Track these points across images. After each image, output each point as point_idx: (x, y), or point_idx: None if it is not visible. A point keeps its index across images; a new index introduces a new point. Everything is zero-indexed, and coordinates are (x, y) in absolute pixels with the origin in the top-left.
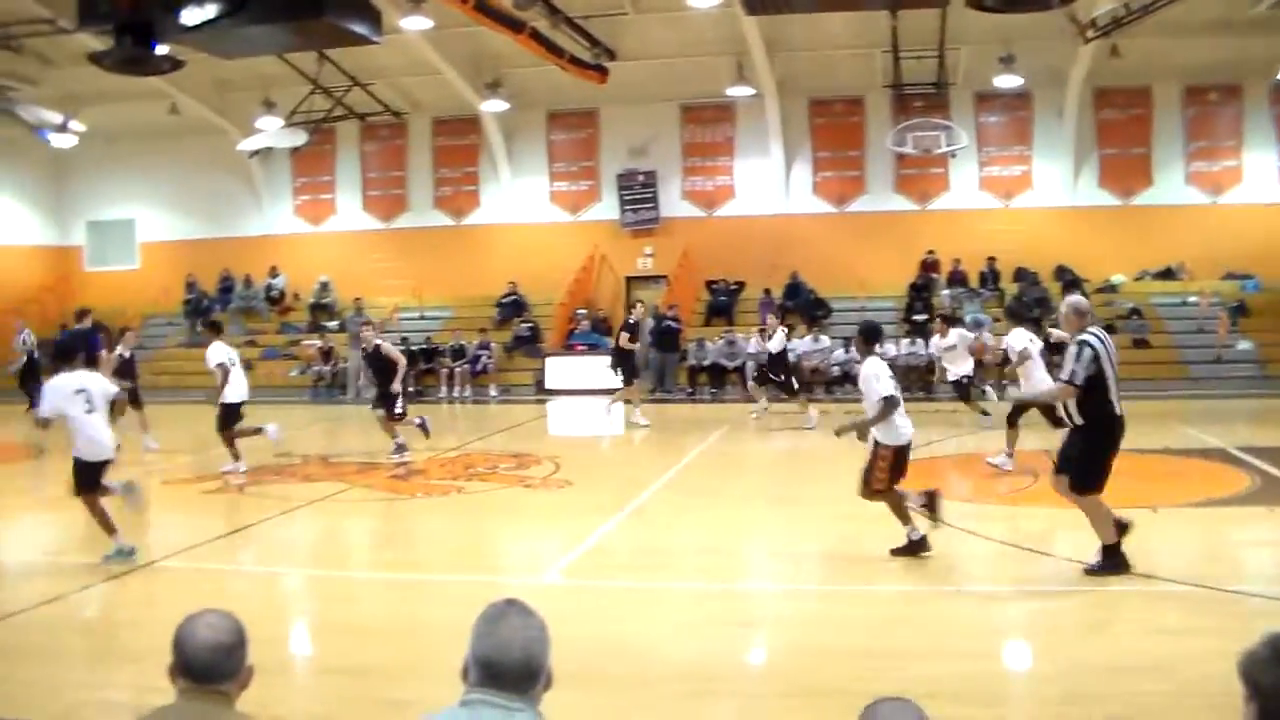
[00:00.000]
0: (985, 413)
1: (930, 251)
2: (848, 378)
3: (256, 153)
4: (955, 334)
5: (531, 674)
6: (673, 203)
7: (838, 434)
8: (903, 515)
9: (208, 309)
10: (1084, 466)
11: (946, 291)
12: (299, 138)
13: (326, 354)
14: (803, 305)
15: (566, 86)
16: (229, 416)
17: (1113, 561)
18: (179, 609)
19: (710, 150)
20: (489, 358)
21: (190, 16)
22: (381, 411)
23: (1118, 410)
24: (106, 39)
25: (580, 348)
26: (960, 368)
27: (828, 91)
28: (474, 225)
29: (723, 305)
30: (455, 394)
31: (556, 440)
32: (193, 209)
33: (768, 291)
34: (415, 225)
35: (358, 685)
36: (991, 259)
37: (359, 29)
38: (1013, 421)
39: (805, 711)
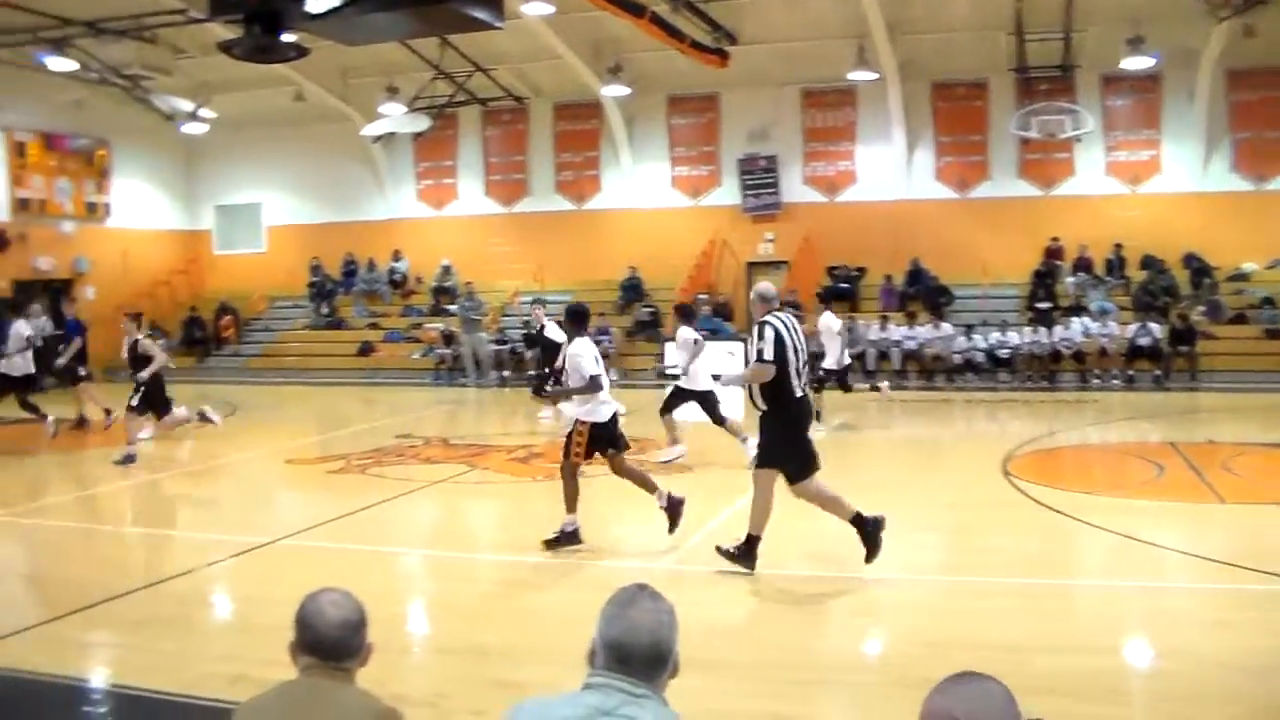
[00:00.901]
0: None
1: (1055, 238)
2: (970, 365)
3: (380, 138)
4: None
5: (660, 659)
6: (794, 188)
7: (538, 396)
8: (570, 501)
9: (331, 292)
10: (786, 452)
11: (1071, 279)
12: (422, 123)
13: (448, 337)
14: (924, 292)
15: (687, 71)
16: None
17: (751, 554)
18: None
19: (832, 135)
20: (609, 342)
21: (316, 4)
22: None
23: (797, 393)
24: (236, 28)
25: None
26: None
27: (950, 74)
28: (595, 210)
29: (843, 291)
30: None
31: (677, 424)
32: (318, 193)
33: (889, 278)
34: (536, 210)
35: (473, 665)
36: (1118, 246)
37: (481, 15)
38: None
39: (920, 703)
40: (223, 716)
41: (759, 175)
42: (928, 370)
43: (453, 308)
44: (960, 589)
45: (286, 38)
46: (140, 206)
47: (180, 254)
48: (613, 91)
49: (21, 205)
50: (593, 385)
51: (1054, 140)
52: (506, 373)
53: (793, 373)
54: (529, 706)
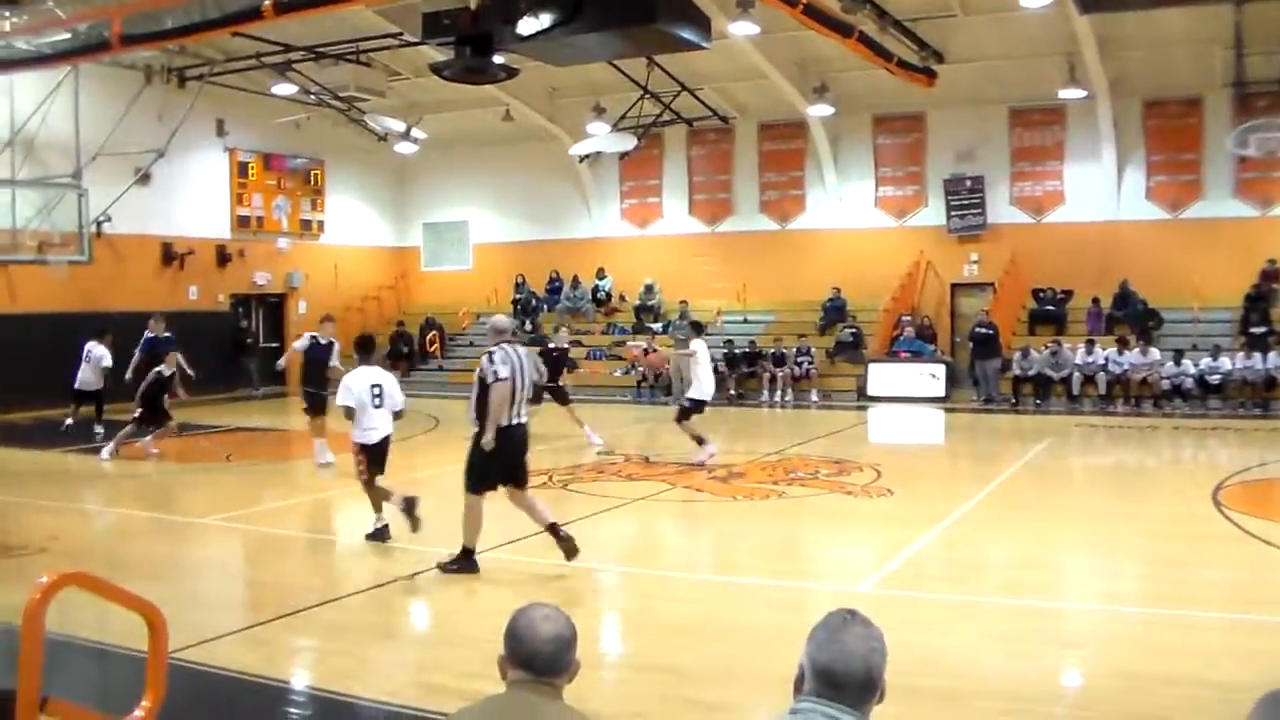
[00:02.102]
0: None
1: (1271, 260)
2: (1178, 391)
3: (586, 157)
4: None
5: (871, 686)
6: (1000, 208)
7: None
8: (376, 505)
9: (535, 309)
10: (468, 467)
11: None
12: (628, 142)
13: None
14: (1133, 315)
15: (893, 90)
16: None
17: (467, 562)
18: (501, 601)
19: (1039, 154)
20: (810, 363)
21: (525, 27)
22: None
23: (506, 421)
24: (447, 50)
25: (904, 355)
26: None
27: (1163, 92)
28: (798, 230)
29: (1049, 314)
30: (776, 398)
31: (878, 448)
32: (524, 211)
33: (1096, 301)
34: (740, 230)
35: (671, 684)
36: None
37: (689, 35)
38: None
39: None
40: None
41: (965, 196)
42: (1134, 396)
43: (657, 326)
44: (1164, 621)
45: (496, 59)
46: (352, 223)
47: (389, 270)
48: (818, 111)
49: (242, 223)
50: (346, 415)
51: (1274, 158)
52: None
53: (508, 403)
54: None
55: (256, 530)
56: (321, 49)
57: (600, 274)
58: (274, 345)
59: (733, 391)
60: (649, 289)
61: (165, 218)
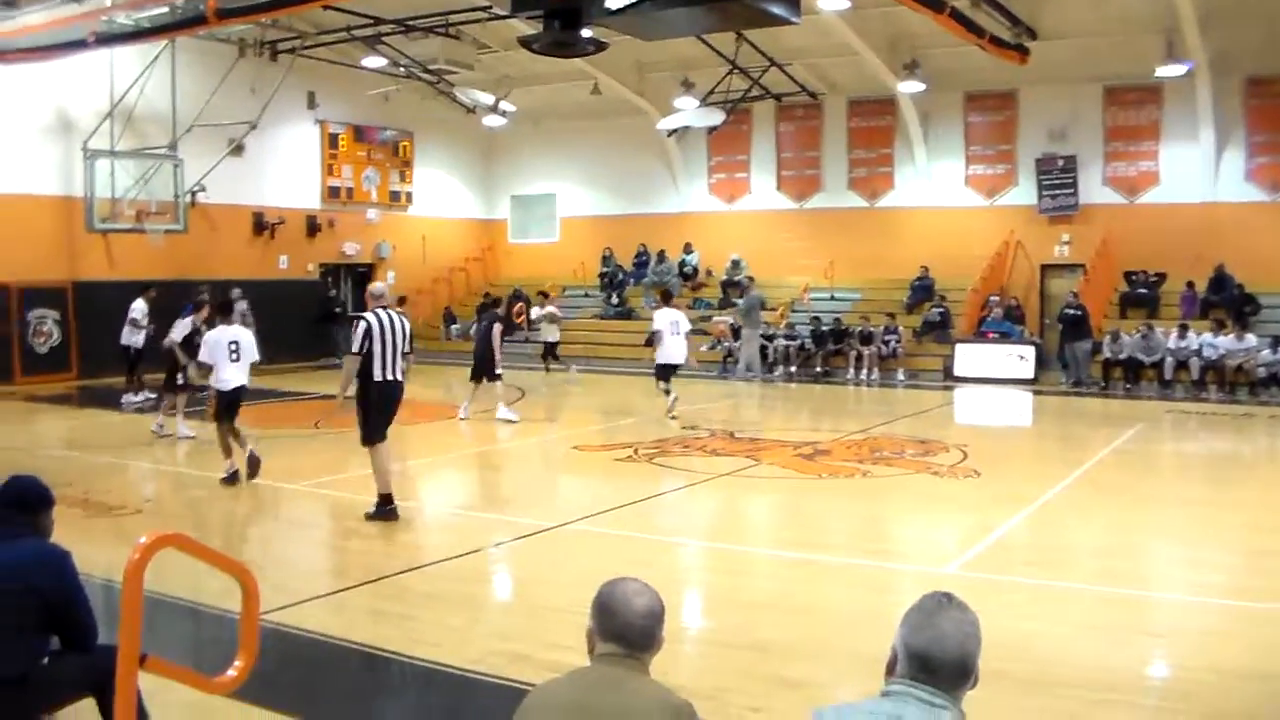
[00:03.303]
0: None
1: None
2: (1275, 379)
3: (674, 132)
4: None
5: (966, 671)
6: (1093, 189)
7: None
8: (224, 450)
9: (622, 282)
10: (361, 423)
11: None
12: (716, 117)
13: (736, 331)
14: (1229, 300)
15: (985, 67)
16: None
17: (386, 509)
18: (585, 572)
19: (1134, 134)
20: (897, 341)
21: (615, 0)
22: None
23: (378, 377)
24: (536, 24)
25: (992, 335)
26: None
27: (1267, 69)
28: (887, 208)
29: (1141, 297)
30: (862, 376)
31: (964, 429)
32: (611, 185)
33: (1190, 284)
34: (828, 206)
35: (752, 660)
36: None
37: (778, 10)
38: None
39: None
40: (504, 694)
41: (1057, 175)
42: (1229, 383)
43: (740, 302)
44: (1258, 615)
45: (585, 33)
46: (440, 195)
47: (477, 242)
48: (909, 88)
49: (332, 193)
50: (201, 367)
51: None
52: (794, 368)
53: (376, 361)
54: (828, 713)
55: (343, 496)
56: (411, 22)
57: (687, 249)
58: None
59: (818, 369)
60: (735, 264)
61: (257, 188)
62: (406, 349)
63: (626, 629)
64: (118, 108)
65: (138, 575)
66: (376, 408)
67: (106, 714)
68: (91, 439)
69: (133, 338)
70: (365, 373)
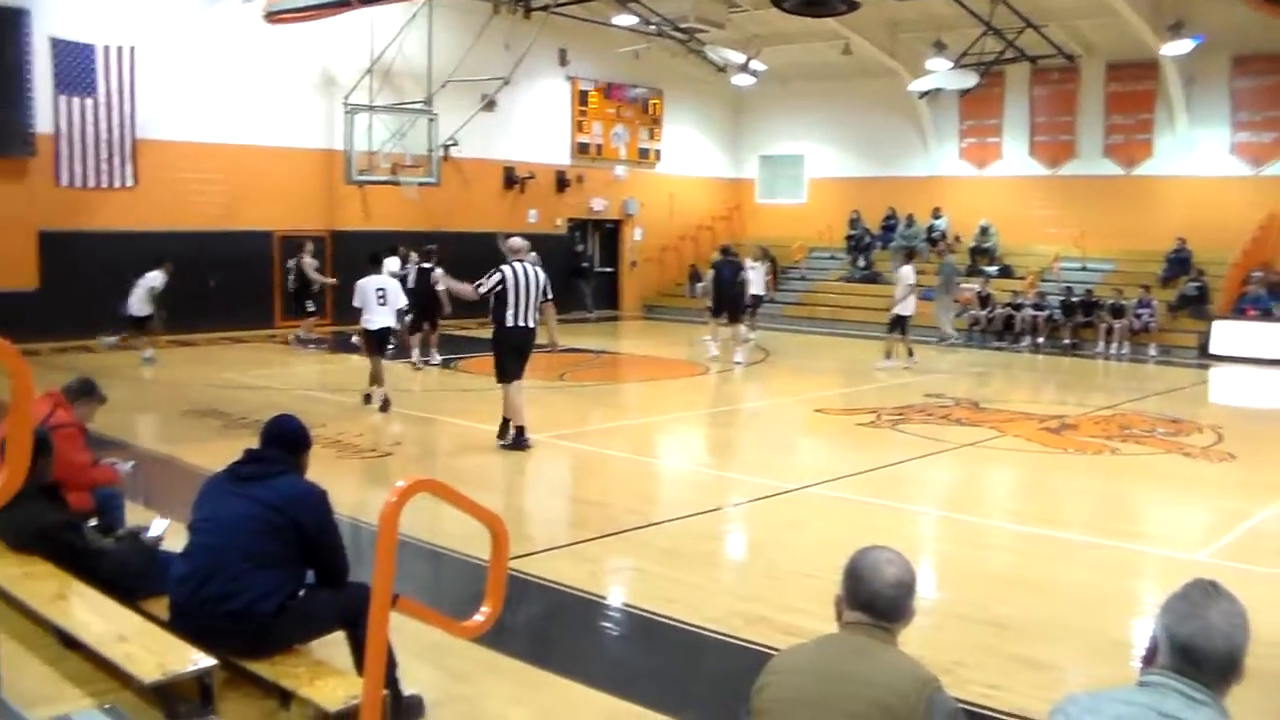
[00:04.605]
0: None
1: None
2: None
3: (926, 94)
4: None
5: (1232, 666)
6: None
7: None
8: (374, 379)
9: (869, 246)
10: (495, 363)
11: None
12: (969, 80)
13: (985, 299)
14: None
15: (1256, 28)
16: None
17: (520, 440)
18: (824, 536)
19: None
20: (1150, 315)
21: None
22: None
23: (509, 324)
24: None
25: (1252, 312)
26: None
27: None
28: (1144, 176)
29: None
30: (1112, 350)
31: (1220, 409)
32: (860, 147)
33: None
34: (1082, 173)
35: (991, 636)
36: None
37: None
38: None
39: None
40: (741, 655)
41: None
42: None
43: (992, 269)
44: None
45: None
46: (688, 154)
47: (723, 201)
48: (1173, 50)
49: (581, 150)
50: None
51: None
52: (1041, 339)
53: (509, 309)
54: (1081, 698)
55: (585, 449)
56: None
57: (936, 213)
58: (609, 270)
59: (1067, 341)
60: (984, 230)
61: (508, 143)
62: (543, 298)
63: (875, 598)
64: (376, 64)
65: (393, 518)
66: (507, 350)
67: (356, 648)
68: (344, 382)
69: (142, 307)
70: (499, 319)
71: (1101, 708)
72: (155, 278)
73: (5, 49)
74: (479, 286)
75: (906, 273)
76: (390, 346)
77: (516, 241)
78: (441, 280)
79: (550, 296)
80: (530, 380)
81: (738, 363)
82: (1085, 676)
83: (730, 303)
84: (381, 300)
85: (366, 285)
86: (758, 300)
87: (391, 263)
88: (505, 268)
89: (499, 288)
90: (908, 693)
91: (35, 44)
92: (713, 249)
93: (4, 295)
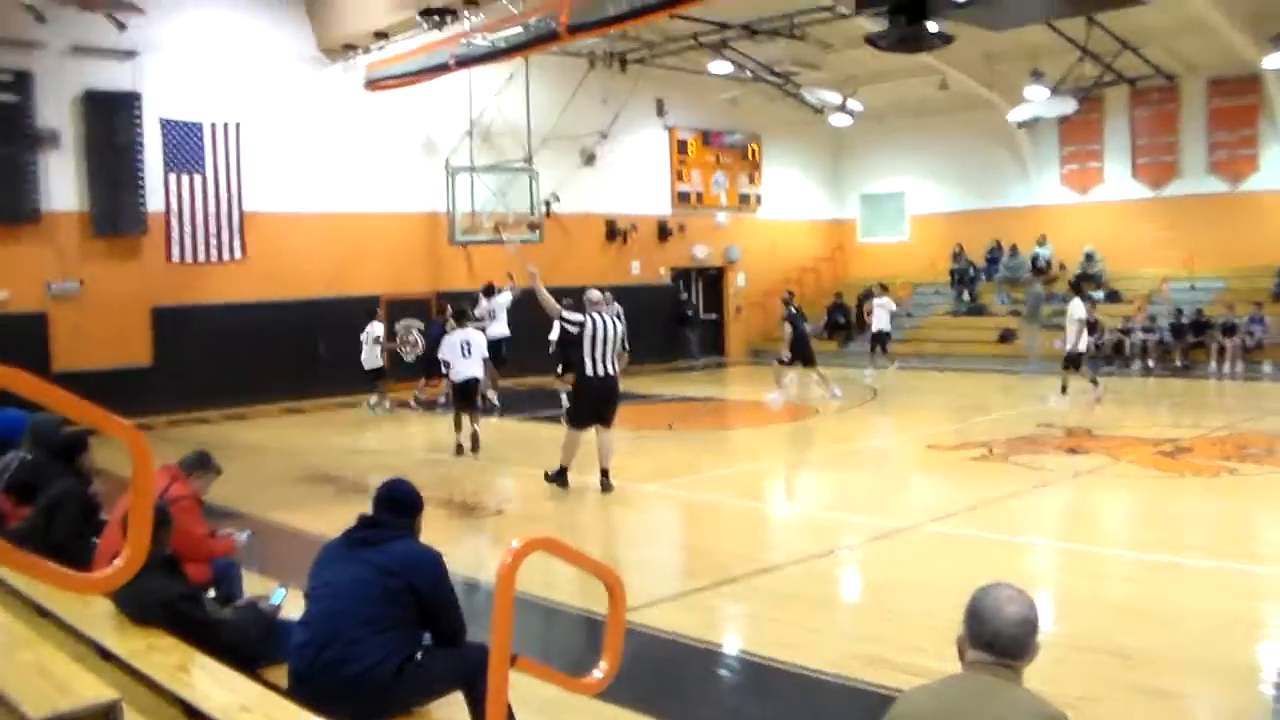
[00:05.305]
0: None
1: None
2: None
3: (1025, 123)
4: None
5: None
6: None
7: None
8: (455, 425)
9: (974, 279)
10: (570, 408)
11: None
12: (1068, 106)
13: (1092, 325)
14: None
15: None
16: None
17: (560, 476)
18: (941, 573)
19: None
20: (1264, 332)
21: None
22: None
23: (589, 372)
24: (880, 21)
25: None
26: None
27: None
28: (1251, 191)
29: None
30: (1225, 370)
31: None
32: (960, 181)
33: None
34: (1186, 193)
35: (1116, 667)
36: None
37: None
38: None
39: None
40: (862, 698)
41: None
42: None
43: (1099, 295)
44: None
45: (931, 27)
46: (788, 197)
47: (826, 242)
48: (1275, 63)
49: (681, 198)
50: (443, 364)
51: None
52: (1152, 362)
53: (588, 358)
54: None
55: (695, 497)
56: (756, 25)
57: (1040, 241)
58: (712, 317)
59: (1178, 362)
60: (1089, 257)
61: (609, 196)
62: (620, 349)
63: (997, 637)
64: (476, 125)
65: (510, 577)
66: (590, 398)
67: (475, 707)
68: (452, 442)
69: (374, 360)
70: (579, 367)
71: None
72: (376, 328)
73: (119, 132)
74: (564, 310)
75: (1076, 307)
76: (479, 399)
77: (594, 294)
78: (538, 284)
79: (628, 348)
80: (638, 430)
81: (836, 395)
82: (1214, 705)
83: (806, 349)
84: (466, 353)
85: (452, 340)
86: (887, 336)
87: (504, 298)
88: (589, 315)
89: (578, 330)
90: None
91: (146, 125)
92: (818, 291)
93: (120, 372)
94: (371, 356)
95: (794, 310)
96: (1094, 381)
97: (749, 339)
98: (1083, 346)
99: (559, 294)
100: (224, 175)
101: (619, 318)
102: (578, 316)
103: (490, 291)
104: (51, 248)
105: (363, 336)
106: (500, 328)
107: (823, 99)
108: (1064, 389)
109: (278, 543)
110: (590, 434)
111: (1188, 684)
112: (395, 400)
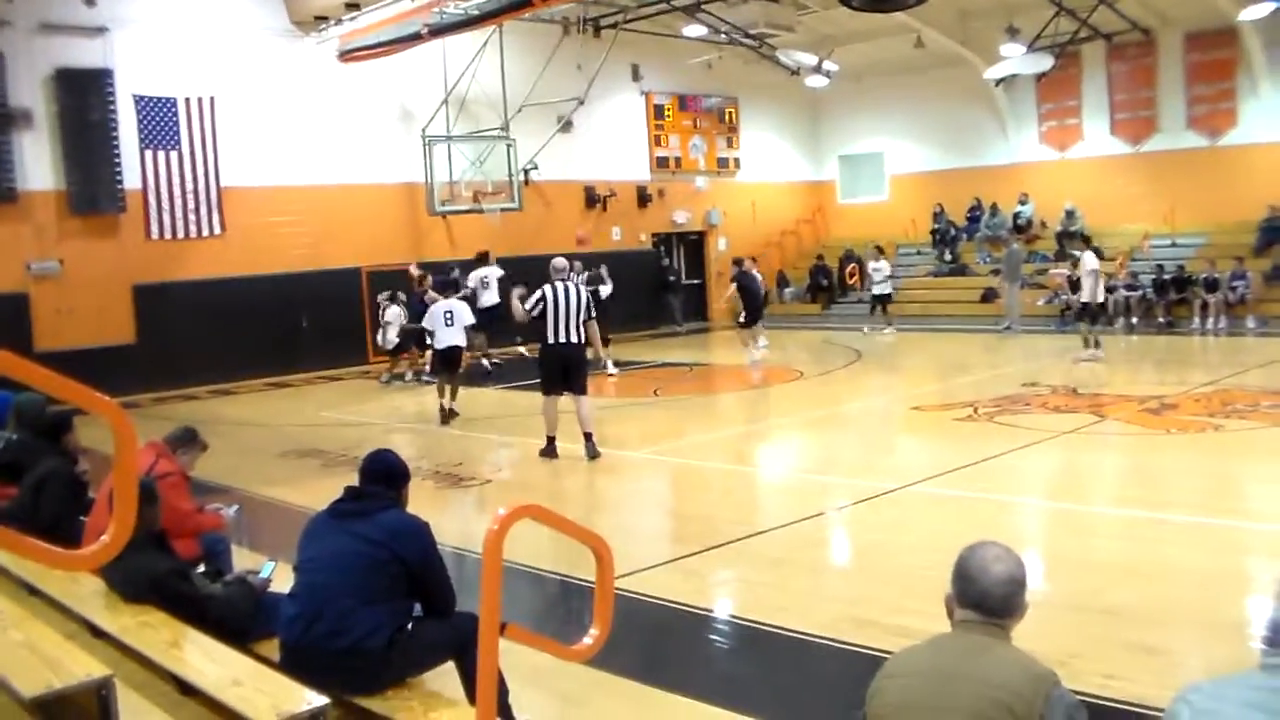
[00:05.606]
0: None
1: None
2: None
3: (1002, 80)
4: None
5: None
6: None
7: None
8: (439, 392)
9: (954, 238)
10: (540, 378)
11: None
12: (1044, 63)
13: (1074, 283)
14: None
15: None
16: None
17: (549, 449)
18: (929, 534)
19: None
20: (1246, 287)
21: None
22: None
23: (550, 340)
24: None
25: None
26: None
27: None
28: (1230, 145)
29: None
30: (1208, 325)
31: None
32: (939, 140)
33: None
34: (1166, 148)
35: (1105, 625)
36: None
37: None
38: None
39: None
40: (853, 660)
41: None
42: None
43: (1079, 253)
44: None
45: None
46: (767, 159)
47: (805, 204)
48: (1253, 14)
49: (660, 164)
50: (426, 333)
51: None
52: (1135, 319)
53: (549, 325)
54: (1204, 687)
55: (683, 463)
56: None
57: (1021, 200)
58: (695, 282)
59: (1161, 319)
60: (1070, 214)
61: (587, 162)
62: (584, 316)
63: (985, 596)
64: (452, 94)
65: (497, 545)
66: (549, 365)
67: (467, 677)
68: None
69: (391, 340)
70: (540, 335)
71: (1226, 694)
72: (396, 313)
73: (92, 109)
74: (528, 310)
75: (1089, 259)
76: (460, 366)
77: (559, 262)
78: (514, 300)
79: (593, 315)
80: (623, 398)
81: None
82: (1203, 660)
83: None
84: (449, 322)
85: (435, 310)
86: (888, 298)
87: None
88: (545, 287)
89: (540, 306)
90: (1026, 690)
91: (120, 102)
92: (799, 254)
93: (103, 350)
94: (389, 338)
95: (739, 270)
96: (1096, 342)
97: (732, 303)
98: (1100, 297)
99: (542, 261)
100: (200, 150)
101: (584, 285)
102: (534, 298)
103: (484, 259)
104: (30, 227)
105: (385, 317)
106: (492, 295)
107: (798, 60)
108: (1096, 342)
109: (265, 517)
110: (568, 402)
111: (1177, 640)
112: (415, 369)
